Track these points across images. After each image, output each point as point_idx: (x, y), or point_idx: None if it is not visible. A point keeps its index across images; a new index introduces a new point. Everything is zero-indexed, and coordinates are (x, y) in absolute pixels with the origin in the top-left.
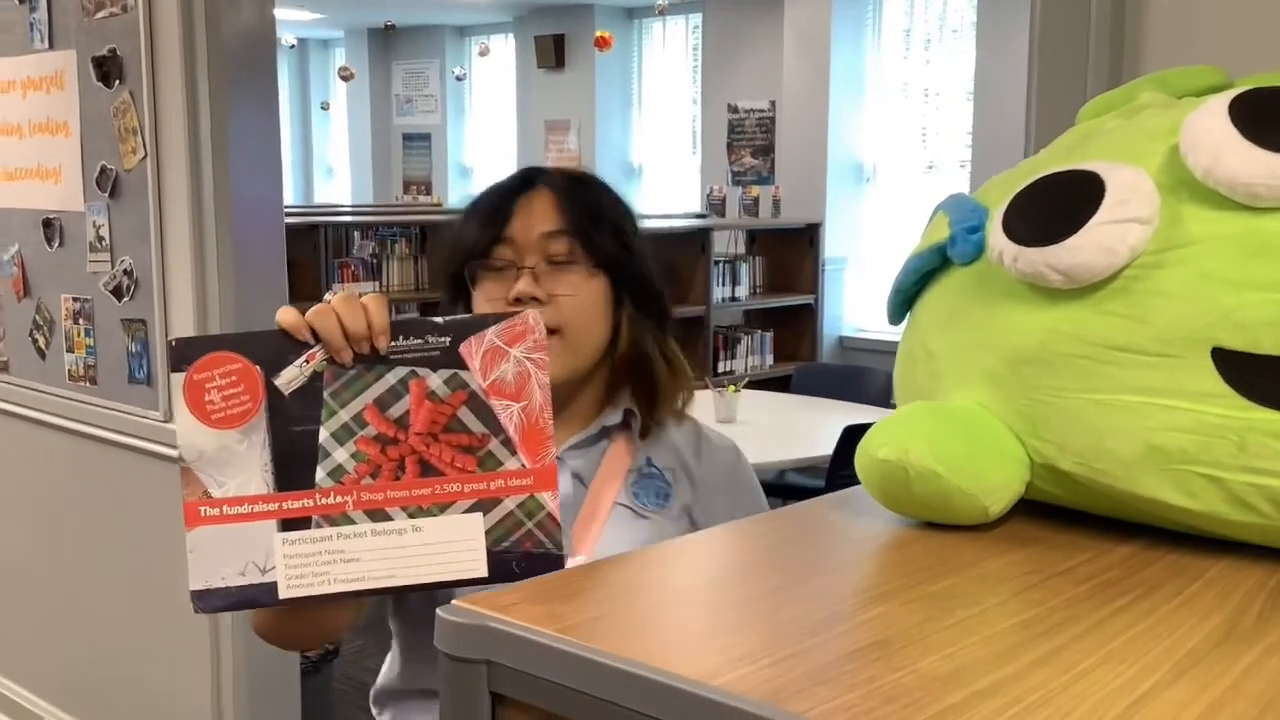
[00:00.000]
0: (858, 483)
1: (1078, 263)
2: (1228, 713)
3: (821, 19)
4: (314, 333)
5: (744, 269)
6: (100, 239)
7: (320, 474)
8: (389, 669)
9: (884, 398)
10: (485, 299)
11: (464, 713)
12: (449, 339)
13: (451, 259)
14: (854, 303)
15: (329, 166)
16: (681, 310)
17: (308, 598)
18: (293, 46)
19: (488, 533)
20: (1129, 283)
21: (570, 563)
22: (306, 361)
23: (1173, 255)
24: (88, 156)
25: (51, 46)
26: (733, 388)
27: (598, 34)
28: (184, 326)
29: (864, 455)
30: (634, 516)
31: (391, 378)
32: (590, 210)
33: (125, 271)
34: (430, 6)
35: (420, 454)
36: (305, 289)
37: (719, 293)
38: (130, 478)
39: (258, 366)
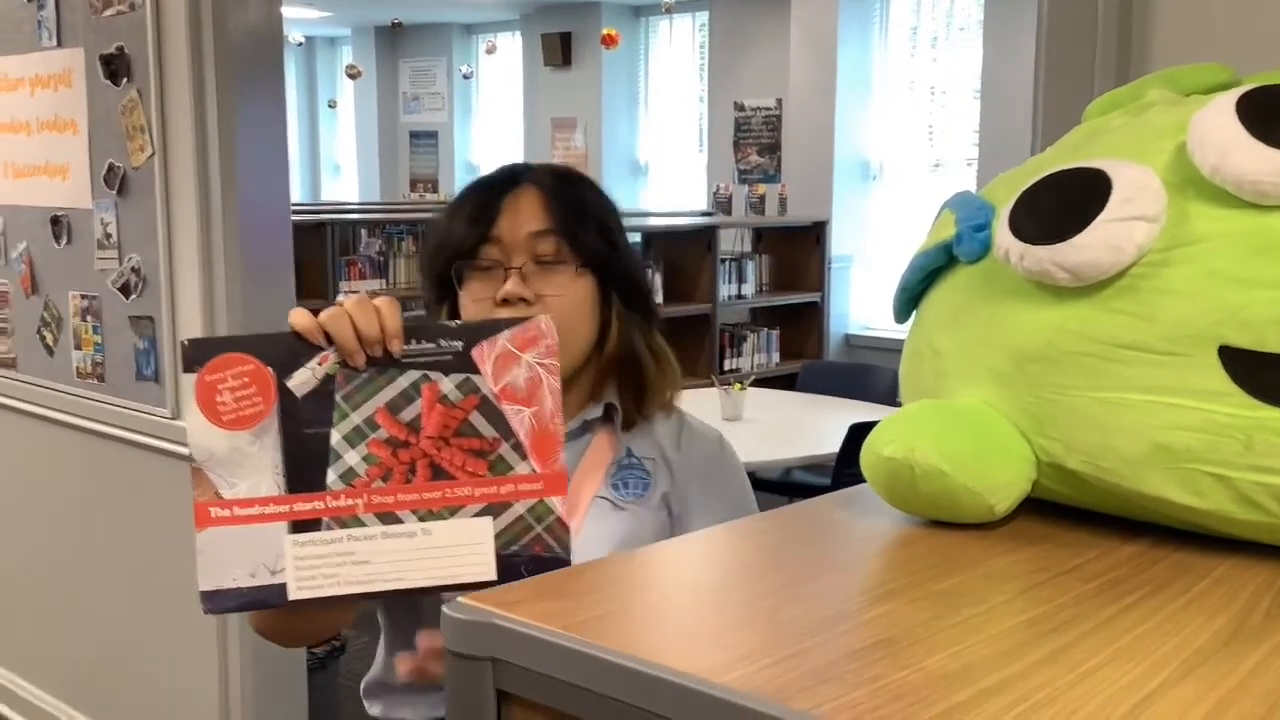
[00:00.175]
0: (864, 481)
1: (1084, 261)
2: (1235, 711)
3: (828, 17)
4: (327, 335)
5: (750, 267)
6: (108, 236)
7: (331, 476)
8: (377, 662)
9: (890, 396)
10: (472, 299)
11: (470, 709)
12: (461, 343)
13: (437, 258)
14: (860, 301)
15: (336, 164)
16: (688, 308)
17: (317, 599)
18: (300, 44)
19: (497, 536)
20: (1136, 281)
21: None
22: (319, 364)
23: (1180, 253)
24: (95, 154)
25: (59, 44)
26: (739, 385)
27: (604, 32)
28: (191, 323)
29: (870, 453)
30: (612, 508)
31: (404, 381)
32: (577, 208)
33: (133, 269)
34: (437, 4)
35: (431, 457)
36: (312, 287)
37: (725, 290)
38: (138, 475)
39: (270, 368)
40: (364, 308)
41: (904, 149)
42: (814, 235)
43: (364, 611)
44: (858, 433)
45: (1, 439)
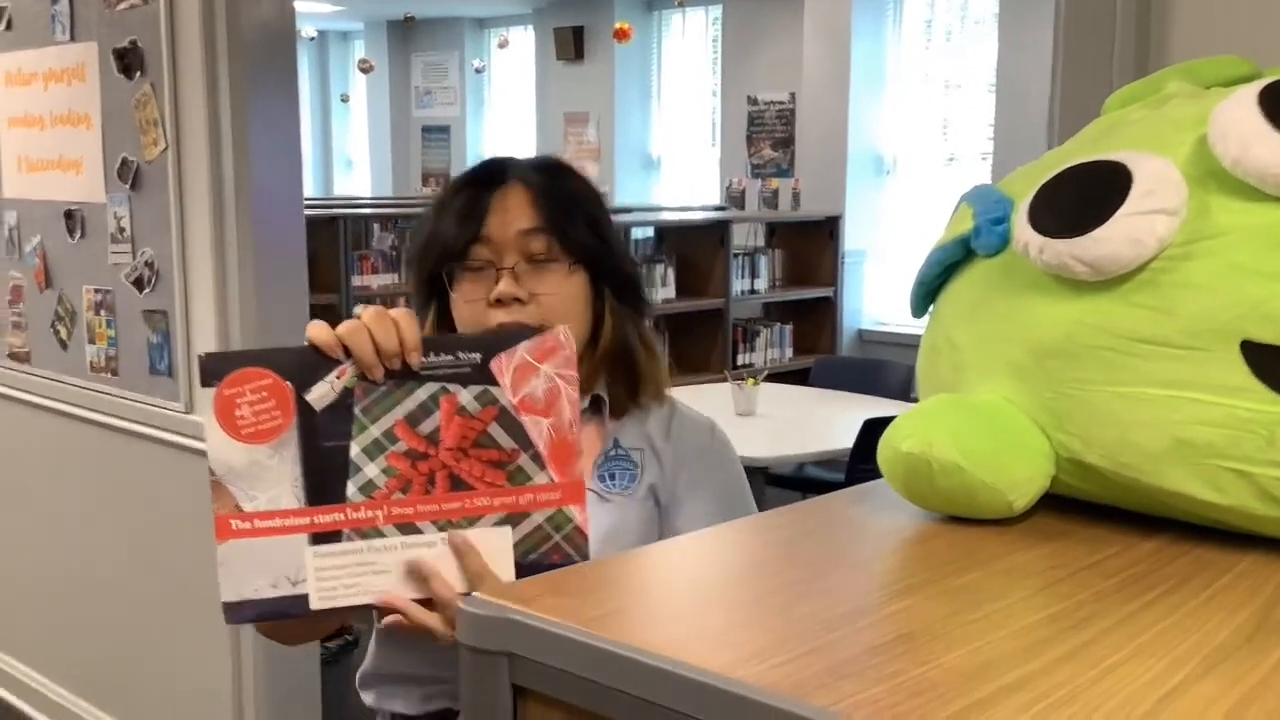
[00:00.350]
0: (878, 476)
1: (1104, 254)
2: (1258, 707)
3: (842, 10)
4: (345, 349)
5: (763, 262)
6: (121, 230)
7: (351, 489)
8: (370, 654)
9: (903, 391)
10: (464, 300)
11: (485, 704)
12: (479, 355)
13: (426, 259)
14: (873, 296)
15: (348, 159)
16: (700, 303)
17: (339, 609)
18: (312, 39)
19: (516, 545)
20: (1156, 275)
21: None
22: (337, 377)
23: (1201, 247)
24: (109, 148)
25: (73, 38)
26: (752, 380)
27: (617, 25)
28: (205, 318)
29: (887, 448)
30: (598, 500)
31: (422, 393)
32: (566, 204)
33: (146, 263)
34: None
35: (450, 468)
36: (325, 281)
37: (738, 285)
38: (151, 469)
39: (289, 382)
40: (382, 321)
41: (918, 143)
42: (827, 230)
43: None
44: (872, 428)
45: (15, 433)
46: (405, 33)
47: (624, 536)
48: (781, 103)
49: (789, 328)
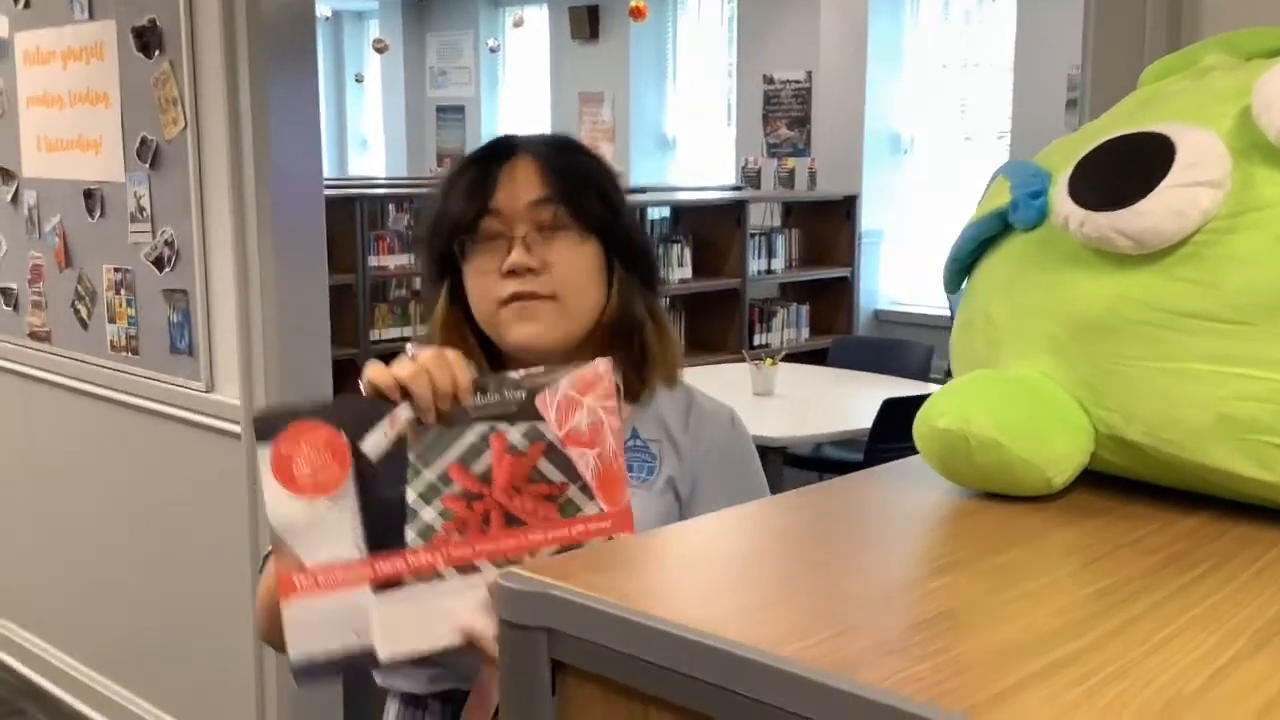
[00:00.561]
0: (898, 456)
1: (1147, 227)
2: None
3: None
4: (402, 390)
5: (780, 241)
6: (141, 210)
7: (410, 534)
8: None
9: (921, 371)
10: (477, 273)
11: (524, 680)
12: (524, 393)
13: (436, 235)
14: (890, 275)
15: (363, 139)
16: (717, 283)
17: (407, 659)
18: (327, 19)
19: None
20: (1199, 248)
21: None
22: (390, 426)
23: (1246, 219)
24: (128, 127)
25: (91, 17)
26: (770, 361)
27: (632, 4)
28: (225, 296)
29: (923, 425)
30: None
31: (472, 435)
32: (575, 175)
33: (166, 242)
34: None
35: (504, 506)
36: (341, 261)
37: (755, 265)
38: (170, 447)
39: (343, 433)
40: (441, 363)
41: (935, 123)
42: (844, 210)
43: None
44: (890, 408)
45: (36, 412)
46: (420, 12)
47: (642, 528)
48: (797, 82)
49: (805, 308)
